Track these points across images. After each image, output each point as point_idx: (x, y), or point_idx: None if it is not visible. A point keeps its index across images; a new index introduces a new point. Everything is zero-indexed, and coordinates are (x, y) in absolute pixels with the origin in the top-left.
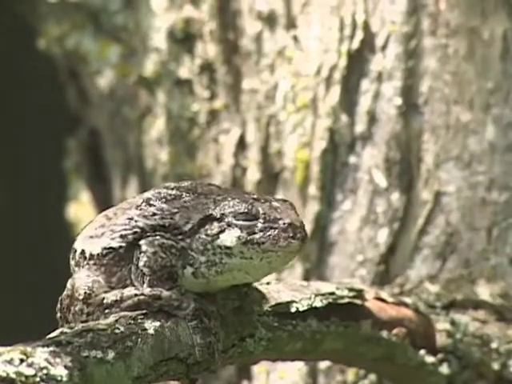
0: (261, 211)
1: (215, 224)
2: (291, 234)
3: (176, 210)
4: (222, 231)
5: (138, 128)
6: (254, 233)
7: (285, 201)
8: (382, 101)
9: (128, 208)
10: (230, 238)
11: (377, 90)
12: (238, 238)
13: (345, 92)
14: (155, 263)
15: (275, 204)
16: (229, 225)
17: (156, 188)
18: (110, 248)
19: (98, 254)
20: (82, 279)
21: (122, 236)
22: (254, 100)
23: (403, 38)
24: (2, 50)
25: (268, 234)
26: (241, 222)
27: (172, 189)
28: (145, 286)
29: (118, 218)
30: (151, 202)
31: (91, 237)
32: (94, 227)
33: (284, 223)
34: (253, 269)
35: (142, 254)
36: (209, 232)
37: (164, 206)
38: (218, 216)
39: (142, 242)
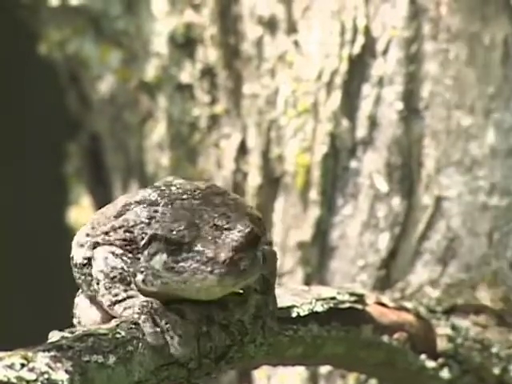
0: (187, 240)
1: (153, 244)
2: (209, 269)
3: (143, 221)
4: (155, 253)
5: (139, 133)
6: (178, 261)
7: (249, 231)
8: (383, 105)
9: (108, 216)
10: (158, 261)
11: (378, 94)
12: (164, 263)
13: (346, 97)
14: (106, 266)
15: (224, 233)
16: (160, 248)
17: (151, 186)
18: (87, 258)
19: (80, 263)
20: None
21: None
22: (254, 105)
23: (404, 42)
24: (2, 54)
25: (188, 264)
26: (170, 248)
27: (162, 189)
28: (100, 291)
29: (100, 227)
30: (128, 209)
31: (81, 245)
32: (83, 233)
33: (207, 257)
34: (187, 292)
35: (93, 261)
36: (147, 252)
37: (130, 216)
38: (158, 237)
39: (94, 250)
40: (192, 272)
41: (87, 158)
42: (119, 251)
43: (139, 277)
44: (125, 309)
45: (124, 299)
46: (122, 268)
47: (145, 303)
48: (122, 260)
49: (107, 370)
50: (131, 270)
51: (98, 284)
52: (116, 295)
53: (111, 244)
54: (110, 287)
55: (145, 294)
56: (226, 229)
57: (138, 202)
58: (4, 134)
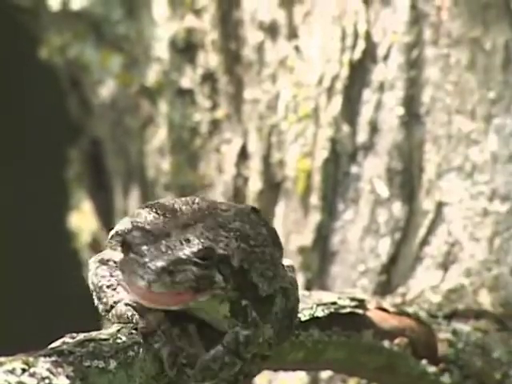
0: (133, 241)
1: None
2: (140, 273)
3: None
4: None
5: (140, 138)
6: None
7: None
8: (384, 111)
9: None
10: None
11: (378, 99)
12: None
13: (346, 102)
14: (95, 277)
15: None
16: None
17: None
18: None
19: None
20: None
21: None
22: (255, 110)
23: (405, 47)
24: (3, 59)
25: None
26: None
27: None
28: (95, 302)
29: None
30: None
31: None
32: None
33: (134, 259)
34: None
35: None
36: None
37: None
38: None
39: (89, 263)
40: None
41: (88, 162)
42: (108, 256)
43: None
44: (113, 315)
45: (112, 306)
46: (110, 274)
47: (126, 309)
48: (109, 266)
49: (108, 375)
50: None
51: (92, 295)
52: (106, 304)
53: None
54: (100, 297)
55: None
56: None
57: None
58: (5, 138)
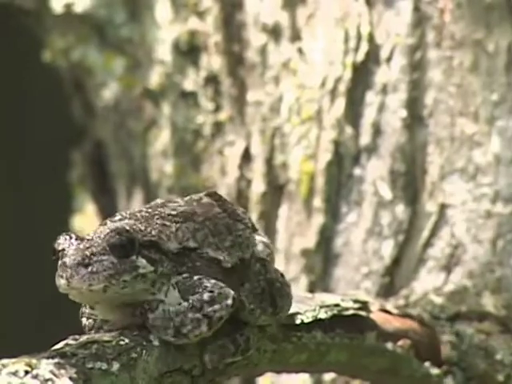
0: (58, 247)
1: None
2: (60, 273)
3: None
4: None
5: (143, 140)
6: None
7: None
8: (387, 113)
9: None
10: None
11: (382, 102)
12: None
13: (350, 104)
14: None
15: (85, 238)
16: None
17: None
18: None
19: None
20: None
21: None
22: (258, 112)
23: (408, 50)
24: (7, 62)
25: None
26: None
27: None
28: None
29: None
30: None
31: None
32: None
33: (60, 262)
34: None
35: None
36: None
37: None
38: None
39: None
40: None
41: (91, 165)
42: None
43: None
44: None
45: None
46: None
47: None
48: None
49: (111, 377)
50: None
51: None
52: (83, 313)
53: None
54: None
55: None
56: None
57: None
58: (8, 142)
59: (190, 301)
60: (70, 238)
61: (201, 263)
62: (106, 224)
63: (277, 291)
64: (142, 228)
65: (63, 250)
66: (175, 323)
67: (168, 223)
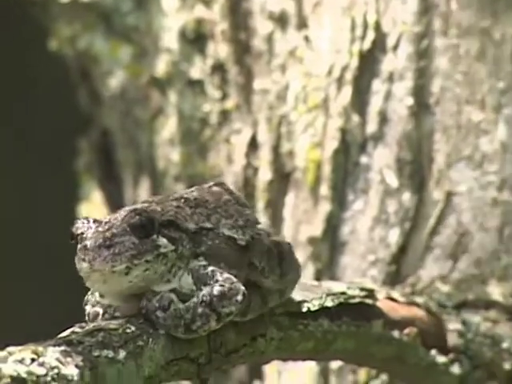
0: (76, 231)
1: None
2: (81, 256)
3: None
4: None
5: (150, 128)
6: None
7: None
8: (394, 101)
9: None
10: None
11: (388, 90)
12: None
13: (356, 92)
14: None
15: (102, 222)
16: None
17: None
18: None
19: None
20: None
21: None
22: (265, 100)
23: (414, 38)
24: (14, 50)
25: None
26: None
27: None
28: None
29: None
30: None
31: None
32: None
33: (80, 246)
34: None
35: None
36: None
37: None
38: None
39: None
40: (76, 261)
41: (98, 153)
42: None
43: None
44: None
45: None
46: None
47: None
48: None
49: (117, 365)
50: None
51: None
52: (88, 300)
53: None
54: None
55: None
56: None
57: None
58: (14, 130)
59: (201, 294)
60: (88, 221)
61: (219, 241)
62: (122, 210)
63: (284, 252)
64: (159, 209)
65: (82, 233)
66: (186, 321)
67: (182, 205)
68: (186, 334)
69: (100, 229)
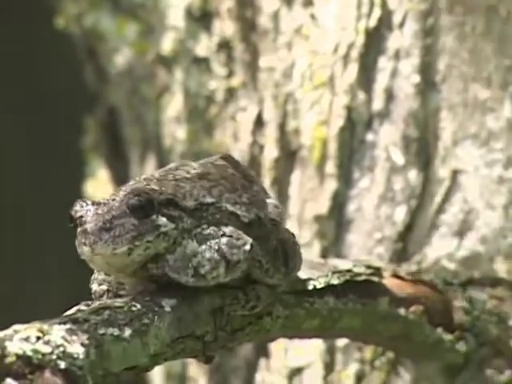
0: (75, 215)
1: None
2: (82, 240)
3: None
4: None
5: (156, 106)
6: (76, 236)
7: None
8: (400, 78)
9: None
10: None
11: (394, 67)
12: None
13: (362, 70)
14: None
15: (101, 205)
16: None
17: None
18: None
19: None
20: None
21: None
22: (271, 78)
23: (420, 15)
24: (20, 29)
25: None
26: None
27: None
28: None
29: None
30: None
31: None
32: None
33: (80, 229)
34: None
35: None
36: None
37: None
38: None
39: None
40: (77, 245)
41: (104, 131)
42: None
43: None
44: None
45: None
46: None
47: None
48: None
49: (123, 343)
50: None
51: None
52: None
53: None
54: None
55: None
56: (107, 202)
57: None
58: (21, 110)
59: (208, 243)
60: (87, 204)
61: (220, 216)
62: (120, 190)
63: (289, 251)
64: (157, 188)
65: (81, 216)
66: (193, 263)
67: (182, 184)
68: (194, 279)
69: (99, 211)
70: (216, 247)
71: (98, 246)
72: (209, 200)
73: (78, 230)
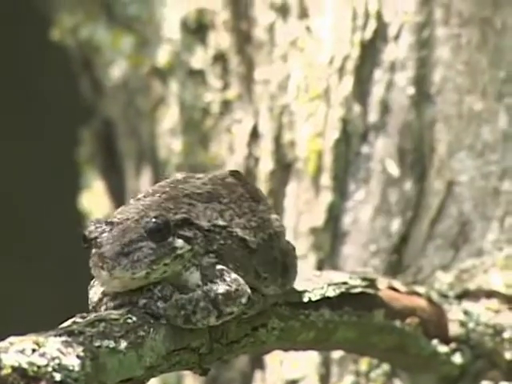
0: (90, 236)
1: None
2: (99, 264)
3: None
4: None
5: (151, 118)
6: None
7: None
8: (395, 90)
9: None
10: None
11: (389, 79)
12: None
13: (357, 82)
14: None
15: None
16: None
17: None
18: None
19: None
20: None
21: None
22: (266, 90)
23: (416, 27)
24: (16, 40)
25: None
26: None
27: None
28: None
29: None
30: None
31: None
32: None
33: (95, 251)
34: None
35: None
36: None
37: None
38: None
39: None
40: (92, 267)
41: (100, 143)
42: None
43: None
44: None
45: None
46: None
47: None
48: None
49: (118, 355)
50: None
51: None
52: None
53: None
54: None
55: None
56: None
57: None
58: (17, 120)
59: (205, 289)
60: (100, 224)
61: (231, 241)
62: (130, 204)
63: (288, 262)
64: (171, 206)
65: (95, 238)
66: (186, 311)
67: (195, 202)
68: (185, 325)
69: (115, 233)
70: (212, 295)
71: (117, 271)
72: (221, 223)
73: (94, 251)
